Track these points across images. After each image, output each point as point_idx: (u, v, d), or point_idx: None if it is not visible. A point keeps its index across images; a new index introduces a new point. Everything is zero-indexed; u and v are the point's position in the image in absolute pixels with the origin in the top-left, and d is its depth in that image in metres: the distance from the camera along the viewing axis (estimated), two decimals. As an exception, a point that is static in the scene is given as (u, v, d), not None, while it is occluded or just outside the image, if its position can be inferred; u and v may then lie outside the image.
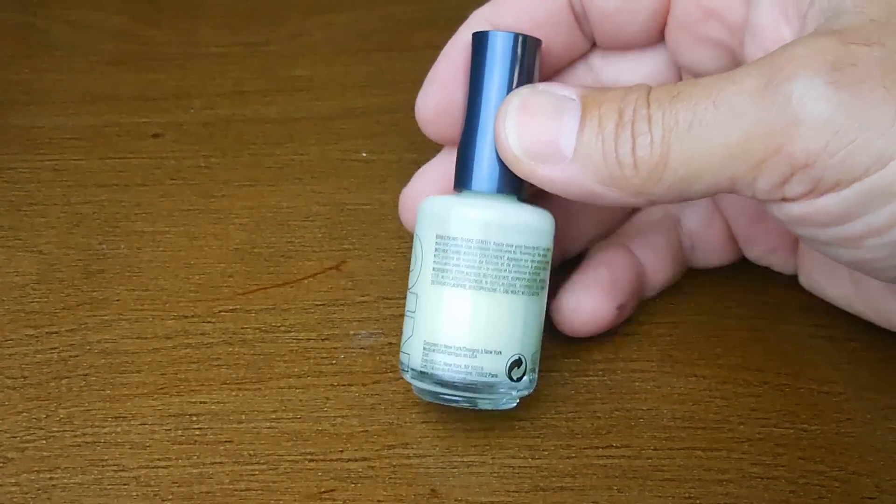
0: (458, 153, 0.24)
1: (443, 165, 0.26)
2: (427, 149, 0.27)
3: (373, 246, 0.29)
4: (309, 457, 0.24)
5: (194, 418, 0.25)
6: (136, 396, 0.26)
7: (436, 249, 0.23)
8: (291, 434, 0.25)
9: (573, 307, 0.26)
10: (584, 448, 0.25)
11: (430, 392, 0.23)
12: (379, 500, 0.24)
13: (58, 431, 0.25)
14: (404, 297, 0.24)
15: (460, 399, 0.23)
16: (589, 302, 0.26)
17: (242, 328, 0.27)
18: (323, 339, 0.27)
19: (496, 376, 0.23)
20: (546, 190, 0.22)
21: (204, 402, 0.25)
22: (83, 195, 0.31)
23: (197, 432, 0.25)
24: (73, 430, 0.25)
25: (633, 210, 0.28)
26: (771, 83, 0.20)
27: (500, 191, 0.23)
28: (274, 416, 0.25)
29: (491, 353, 0.23)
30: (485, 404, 0.24)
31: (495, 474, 0.24)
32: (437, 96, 0.25)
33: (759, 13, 0.23)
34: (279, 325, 0.27)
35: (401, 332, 0.24)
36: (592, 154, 0.21)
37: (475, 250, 0.23)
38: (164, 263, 0.29)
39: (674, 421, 0.25)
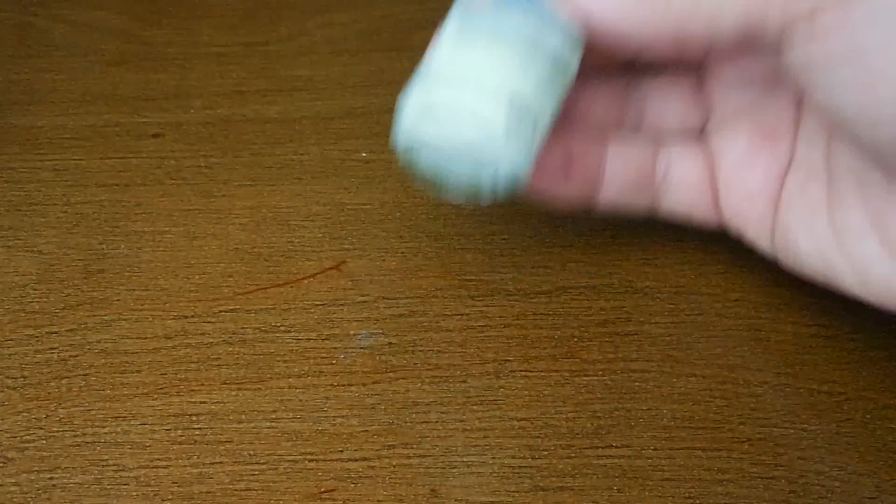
0: None
1: None
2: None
3: (373, 246, 0.29)
4: (309, 457, 0.24)
5: (194, 418, 0.25)
6: (136, 396, 0.26)
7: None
8: (291, 434, 0.25)
9: None
10: (584, 448, 0.25)
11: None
12: (379, 500, 0.24)
13: (58, 431, 0.25)
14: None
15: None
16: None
17: (242, 328, 0.27)
18: (323, 339, 0.27)
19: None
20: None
21: (204, 402, 0.25)
22: (83, 195, 0.31)
23: (197, 432, 0.25)
24: (73, 430, 0.25)
25: (621, 122, 0.28)
26: None
27: None
28: (274, 416, 0.25)
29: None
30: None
31: (495, 474, 0.24)
32: None
33: None
34: (279, 325, 0.27)
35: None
36: None
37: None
38: (164, 263, 0.29)
39: (674, 421, 0.25)
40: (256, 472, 0.24)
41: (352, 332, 0.27)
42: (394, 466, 0.24)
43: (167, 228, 0.30)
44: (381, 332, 0.27)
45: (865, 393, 0.26)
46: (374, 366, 0.26)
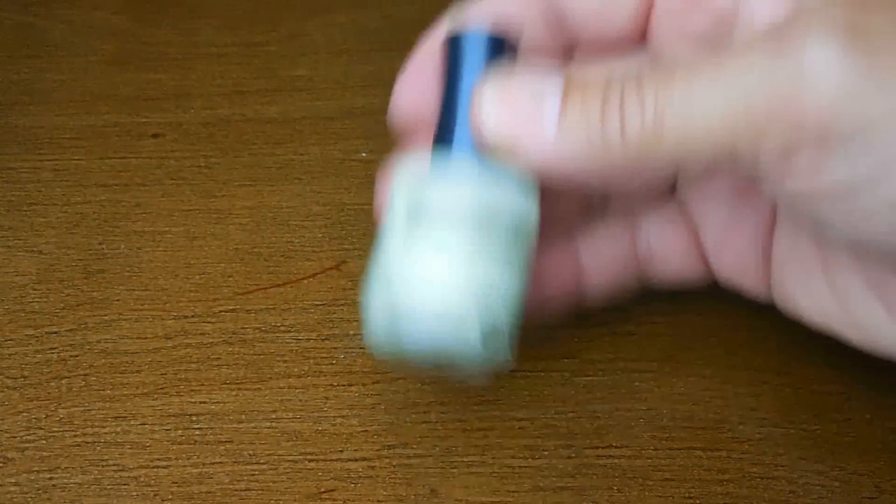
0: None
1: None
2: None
3: (373, 246, 0.29)
4: (309, 457, 0.24)
5: (194, 418, 0.25)
6: (136, 396, 0.26)
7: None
8: (291, 434, 0.25)
9: None
10: (584, 448, 0.25)
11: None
12: (379, 500, 0.24)
13: (58, 431, 0.25)
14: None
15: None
16: None
17: (242, 328, 0.27)
18: (323, 339, 0.27)
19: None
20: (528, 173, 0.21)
21: (204, 402, 0.25)
22: (83, 195, 0.31)
23: (197, 432, 0.25)
24: (73, 430, 0.25)
25: (587, 212, 0.26)
26: (781, 45, 0.19)
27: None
28: (274, 416, 0.25)
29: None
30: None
31: (495, 474, 0.24)
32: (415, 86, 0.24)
33: None
34: (279, 325, 0.27)
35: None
36: (578, 128, 0.20)
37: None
38: (164, 263, 0.29)
39: (674, 421, 0.25)
40: (256, 472, 0.24)
41: (352, 332, 0.27)
42: (394, 466, 0.24)
43: (167, 228, 0.30)
44: (381, 332, 0.27)
45: (865, 393, 0.26)
46: (374, 366, 0.26)
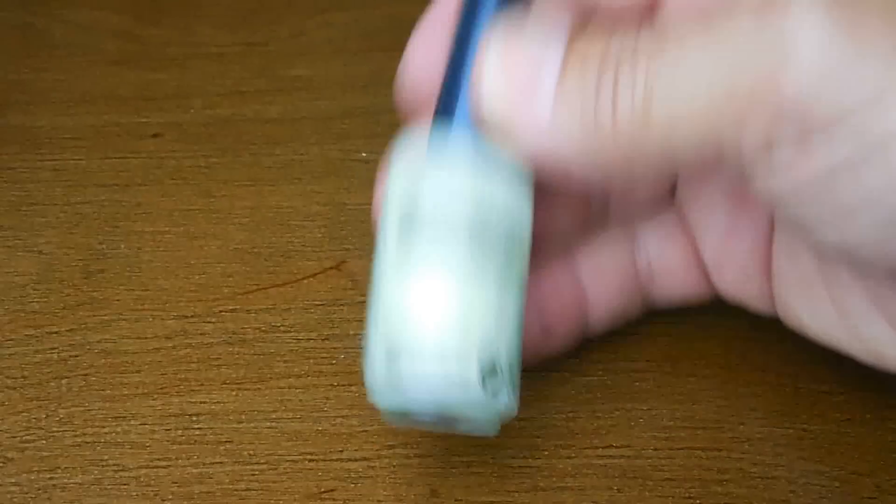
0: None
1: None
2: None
3: (373, 246, 0.29)
4: (309, 457, 0.24)
5: (194, 418, 0.25)
6: (136, 396, 0.26)
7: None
8: (291, 434, 0.25)
9: None
10: (584, 448, 0.25)
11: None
12: (379, 500, 0.24)
13: (58, 431, 0.25)
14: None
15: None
16: None
17: (242, 328, 0.27)
18: (323, 339, 0.27)
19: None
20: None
21: (204, 402, 0.25)
22: (83, 195, 0.31)
23: (197, 432, 0.25)
24: (73, 430, 0.25)
25: (586, 223, 0.25)
26: (761, 19, 0.18)
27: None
28: (274, 416, 0.25)
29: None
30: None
31: (495, 474, 0.24)
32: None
33: None
34: (279, 325, 0.27)
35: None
36: (571, 113, 0.20)
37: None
38: (164, 263, 0.29)
39: (674, 421, 0.25)
40: (256, 472, 0.24)
41: (352, 332, 0.27)
42: (394, 466, 0.24)
43: (167, 228, 0.30)
44: (381, 332, 0.27)
45: (865, 393, 0.26)
46: (374, 366, 0.26)
